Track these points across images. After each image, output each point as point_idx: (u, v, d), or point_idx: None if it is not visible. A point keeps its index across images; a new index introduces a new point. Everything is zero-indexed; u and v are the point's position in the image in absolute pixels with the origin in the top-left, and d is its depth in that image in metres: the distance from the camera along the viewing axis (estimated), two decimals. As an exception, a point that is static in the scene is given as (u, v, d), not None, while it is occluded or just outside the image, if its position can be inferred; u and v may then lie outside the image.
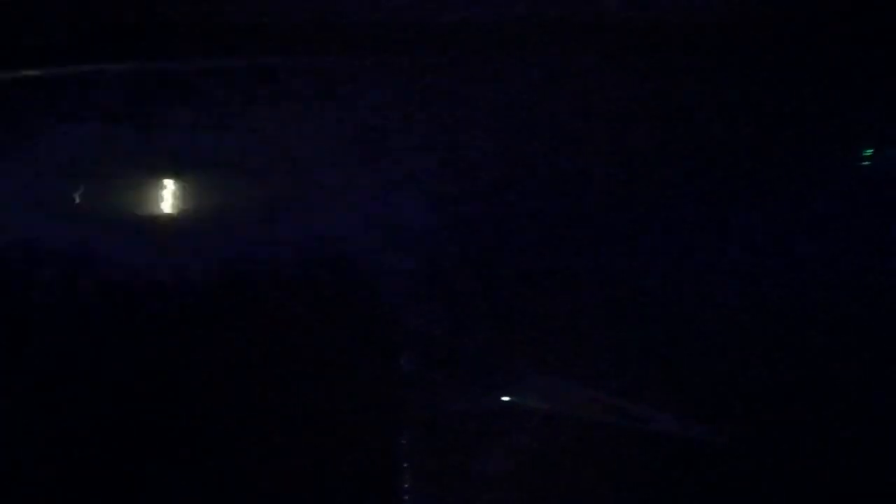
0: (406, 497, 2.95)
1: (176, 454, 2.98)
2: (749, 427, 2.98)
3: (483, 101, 3.07)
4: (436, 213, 3.04)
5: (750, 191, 3.06)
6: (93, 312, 2.98)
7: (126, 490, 2.98)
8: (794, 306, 3.02)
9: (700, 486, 2.98)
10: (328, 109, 3.05)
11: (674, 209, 3.03)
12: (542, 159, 3.09)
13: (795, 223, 3.02)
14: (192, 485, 2.99)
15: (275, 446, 2.96)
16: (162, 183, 2.99)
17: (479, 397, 2.95)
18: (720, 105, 3.09)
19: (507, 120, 3.08)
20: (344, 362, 2.99)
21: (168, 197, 3.00)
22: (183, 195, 3.04)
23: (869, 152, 2.98)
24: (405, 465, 2.95)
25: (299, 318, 2.99)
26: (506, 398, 2.93)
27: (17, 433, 2.98)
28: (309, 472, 2.96)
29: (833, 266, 3.02)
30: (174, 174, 2.99)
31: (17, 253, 2.96)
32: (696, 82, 3.10)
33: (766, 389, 2.99)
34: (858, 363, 3.00)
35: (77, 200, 2.95)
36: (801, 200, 3.03)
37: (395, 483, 2.96)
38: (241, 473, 2.97)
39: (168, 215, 3.00)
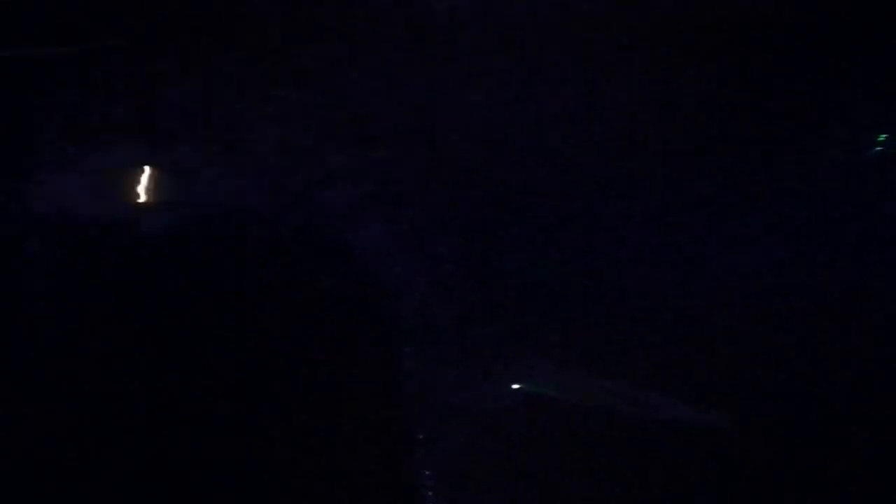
0: (420, 488, 2.97)
1: (190, 450, 3.00)
2: (757, 414, 3.00)
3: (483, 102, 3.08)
4: (441, 210, 3.05)
5: (757, 189, 3.07)
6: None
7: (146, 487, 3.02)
8: (802, 299, 3.04)
9: (708, 471, 3.00)
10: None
11: (683, 203, 3.04)
12: (544, 156, 3.09)
13: (803, 218, 3.03)
14: (205, 480, 3.01)
15: (286, 440, 2.97)
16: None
17: (492, 386, 2.97)
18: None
19: (507, 119, 3.09)
20: (354, 356, 3.00)
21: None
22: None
23: (882, 137, 2.98)
24: (419, 456, 2.97)
25: (308, 314, 3.01)
26: (516, 386, 2.96)
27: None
28: (324, 465, 2.97)
29: (840, 261, 3.03)
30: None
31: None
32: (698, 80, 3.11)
33: (773, 378, 3.01)
34: (864, 356, 3.02)
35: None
36: (807, 197, 3.04)
37: (409, 475, 2.97)
38: (254, 466, 2.98)
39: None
